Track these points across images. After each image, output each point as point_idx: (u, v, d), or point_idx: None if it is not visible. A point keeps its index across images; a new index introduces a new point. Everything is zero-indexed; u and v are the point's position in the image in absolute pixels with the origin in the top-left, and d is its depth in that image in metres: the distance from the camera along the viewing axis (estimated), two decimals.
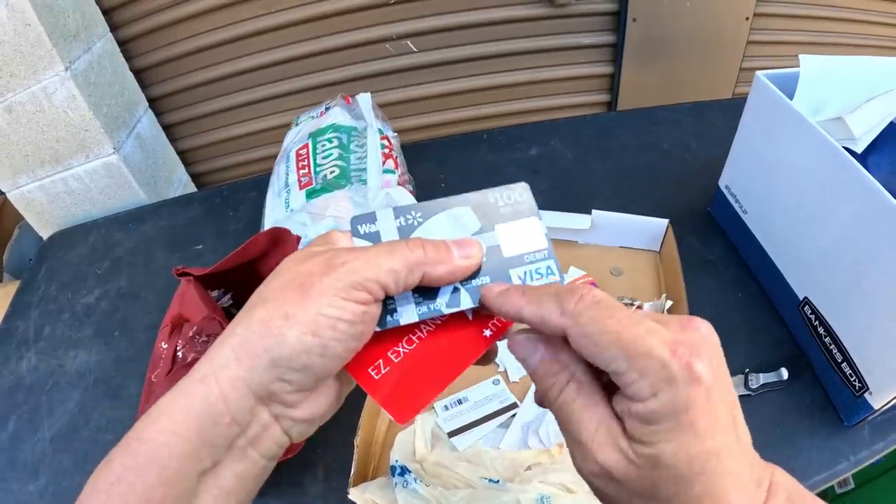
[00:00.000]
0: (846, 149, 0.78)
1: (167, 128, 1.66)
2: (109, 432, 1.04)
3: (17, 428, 1.09)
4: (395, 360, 0.37)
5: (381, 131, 1.18)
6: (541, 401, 0.38)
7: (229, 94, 1.68)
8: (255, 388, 0.33)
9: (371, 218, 0.41)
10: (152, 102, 1.60)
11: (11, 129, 1.34)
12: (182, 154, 1.74)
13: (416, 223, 0.41)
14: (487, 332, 0.40)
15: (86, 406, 1.09)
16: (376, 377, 0.36)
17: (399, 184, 1.11)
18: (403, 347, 0.37)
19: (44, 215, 1.54)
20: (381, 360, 0.36)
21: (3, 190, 1.49)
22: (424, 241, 0.37)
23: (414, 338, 0.38)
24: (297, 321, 0.33)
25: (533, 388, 0.42)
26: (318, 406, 0.36)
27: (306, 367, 0.33)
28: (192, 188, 1.77)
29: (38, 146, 1.38)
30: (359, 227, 0.41)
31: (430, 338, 0.38)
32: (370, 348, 0.36)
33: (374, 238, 0.40)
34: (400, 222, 0.41)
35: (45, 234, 1.56)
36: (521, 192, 0.46)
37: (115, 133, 1.42)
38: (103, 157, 1.42)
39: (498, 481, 0.76)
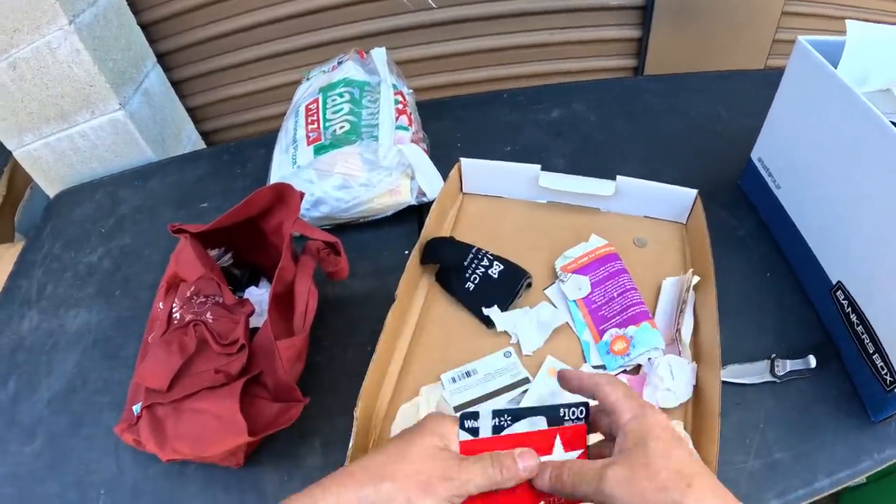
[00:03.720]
0: (893, 123, 0.71)
1: (176, 84, 1.61)
2: (106, 394, 1.00)
3: (16, 388, 1.07)
4: None
5: (395, 87, 1.12)
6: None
7: (240, 49, 1.62)
8: None
9: (475, 415, 0.53)
10: (160, 58, 1.55)
11: (16, 86, 1.31)
12: (191, 111, 1.69)
13: (506, 424, 0.53)
14: None
15: (84, 367, 1.06)
16: None
17: (412, 141, 1.05)
18: None
19: (50, 174, 1.51)
20: None
21: (10, 148, 1.46)
22: (503, 464, 0.50)
23: None
24: None
25: (547, 364, 0.66)
26: None
27: None
28: (201, 146, 1.73)
29: (42, 103, 1.34)
30: (465, 422, 0.53)
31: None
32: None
33: (475, 433, 0.53)
34: (495, 423, 0.53)
35: (51, 193, 1.53)
36: (581, 409, 0.54)
37: (122, 89, 1.37)
38: (109, 114, 1.38)
39: None
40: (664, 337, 0.82)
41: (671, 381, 0.76)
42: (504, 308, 0.88)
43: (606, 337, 0.84)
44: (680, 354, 0.80)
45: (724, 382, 0.78)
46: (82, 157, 1.46)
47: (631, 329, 0.83)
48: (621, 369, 0.82)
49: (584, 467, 0.49)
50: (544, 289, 0.93)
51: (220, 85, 1.69)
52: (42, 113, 1.36)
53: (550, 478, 0.50)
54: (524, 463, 0.51)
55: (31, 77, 1.29)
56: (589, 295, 0.89)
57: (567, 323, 0.88)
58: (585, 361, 0.84)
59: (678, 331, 0.82)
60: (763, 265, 0.95)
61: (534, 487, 0.52)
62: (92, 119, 1.39)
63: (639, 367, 0.82)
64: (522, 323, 0.87)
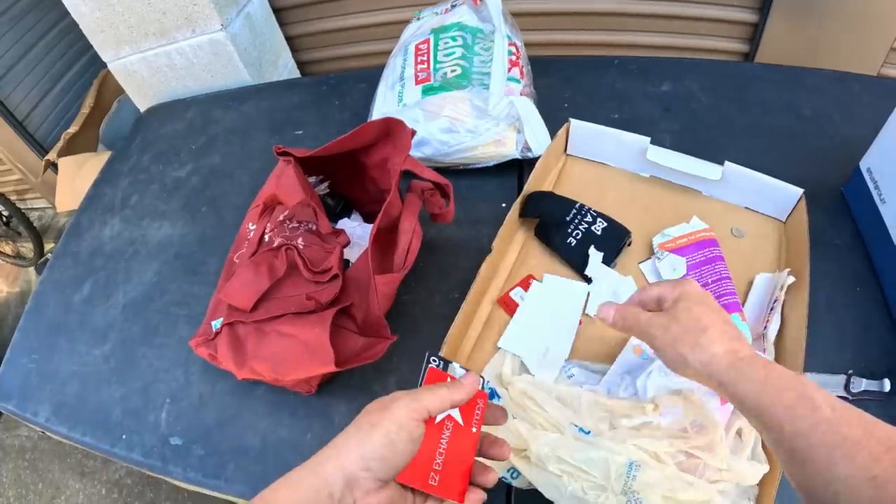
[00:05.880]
0: None
1: (278, 11, 1.60)
2: (183, 307, 1.01)
3: (92, 292, 1.09)
4: (439, 470, 0.52)
5: (509, 37, 1.08)
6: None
7: None
8: (346, 473, 0.47)
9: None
10: None
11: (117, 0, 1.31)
12: (290, 40, 1.68)
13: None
14: (474, 429, 0.55)
15: (163, 278, 1.07)
16: (434, 485, 0.51)
17: (523, 94, 1.01)
18: (437, 465, 0.52)
19: (143, 88, 1.52)
20: (431, 473, 0.51)
21: (105, 60, 1.47)
22: (454, 386, 0.54)
23: (440, 458, 0.52)
24: (379, 428, 0.49)
25: (633, 342, 0.75)
26: (383, 501, 0.49)
27: (382, 458, 0.48)
28: (297, 75, 1.72)
29: (143, 17, 1.35)
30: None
31: (449, 451, 0.53)
32: (423, 468, 0.51)
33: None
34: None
35: (143, 107, 1.55)
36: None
37: (225, 10, 1.36)
38: (210, 33, 1.37)
39: (589, 433, 0.68)
40: (751, 333, 0.79)
41: None
42: (607, 264, 0.87)
43: None
44: (764, 352, 0.76)
45: None
46: (178, 74, 1.47)
47: None
48: None
49: (640, 314, 0.63)
50: (639, 262, 0.89)
51: (322, 16, 1.67)
52: (141, 27, 1.37)
53: (616, 316, 0.65)
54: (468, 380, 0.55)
55: None
56: (683, 277, 0.85)
57: None
58: None
59: (765, 328, 0.78)
60: (853, 278, 0.89)
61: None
62: (192, 37, 1.38)
63: None
64: (601, 287, 0.86)
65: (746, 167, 0.90)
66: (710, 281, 0.83)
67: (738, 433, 0.69)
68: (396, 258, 0.78)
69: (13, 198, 2.61)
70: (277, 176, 0.89)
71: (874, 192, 0.90)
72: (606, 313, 0.66)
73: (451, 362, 0.58)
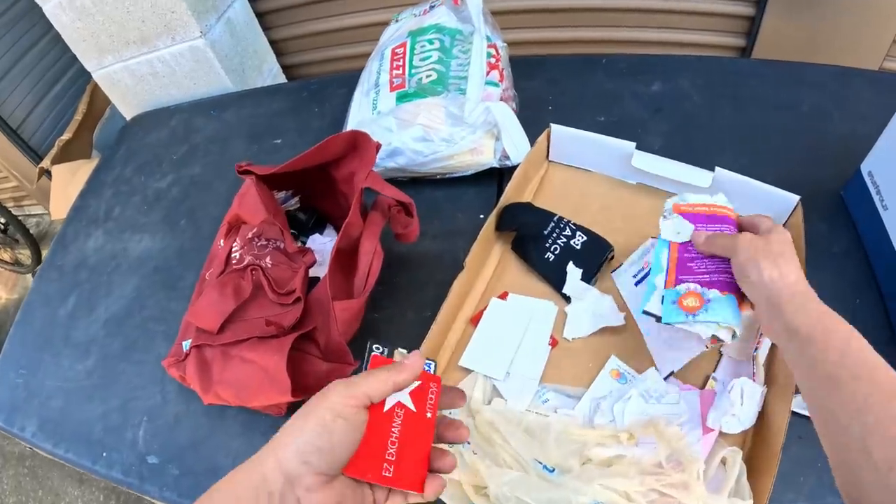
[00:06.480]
0: None
1: (261, 15, 1.58)
2: (161, 322, 1.00)
3: (76, 306, 1.09)
4: (392, 460, 0.49)
5: (489, 38, 1.05)
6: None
7: None
8: (284, 470, 0.44)
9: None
10: None
11: (97, 9, 1.30)
12: (275, 44, 1.65)
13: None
14: (429, 415, 0.52)
15: (142, 293, 1.06)
16: (389, 476, 0.48)
17: (502, 99, 0.98)
18: (390, 455, 0.49)
19: (128, 96, 1.51)
20: (384, 463, 0.48)
21: (89, 69, 1.46)
22: (395, 368, 0.50)
23: (393, 447, 0.49)
24: (313, 416, 0.46)
25: (610, 364, 0.74)
26: (330, 498, 0.45)
27: (320, 449, 0.44)
28: (282, 79, 1.70)
29: (122, 26, 1.33)
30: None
31: (402, 440, 0.50)
32: (374, 459, 0.48)
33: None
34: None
35: (128, 115, 1.54)
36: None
37: (204, 16, 1.34)
38: (190, 41, 1.35)
39: (553, 471, 0.65)
40: (742, 355, 0.74)
41: (739, 407, 0.68)
42: (587, 281, 0.83)
43: (681, 288, 0.68)
44: (753, 377, 0.71)
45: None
46: (161, 82, 1.45)
47: (713, 293, 0.66)
48: (678, 326, 0.66)
49: (726, 234, 0.69)
50: (612, 271, 0.85)
51: (306, 19, 1.64)
52: (122, 36, 1.36)
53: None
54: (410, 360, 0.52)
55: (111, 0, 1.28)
56: (686, 243, 0.72)
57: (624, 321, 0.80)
58: (644, 335, 0.76)
59: (756, 350, 0.73)
60: (853, 289, 0.85)
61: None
62: (172, 45, 1.37)
63: (706, 380, 0.74)
64: (577, 307, 0.82)
65: (741, 169, 0.86)
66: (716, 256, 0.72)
67: (723, 462, 0.66)
68: (357, 282, 0.75)
69: (10, 205, 2.62)
70: (242, 195, 0.87)
71: (875, 198, 0.85)
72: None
73: (396, 349, 0.55)
